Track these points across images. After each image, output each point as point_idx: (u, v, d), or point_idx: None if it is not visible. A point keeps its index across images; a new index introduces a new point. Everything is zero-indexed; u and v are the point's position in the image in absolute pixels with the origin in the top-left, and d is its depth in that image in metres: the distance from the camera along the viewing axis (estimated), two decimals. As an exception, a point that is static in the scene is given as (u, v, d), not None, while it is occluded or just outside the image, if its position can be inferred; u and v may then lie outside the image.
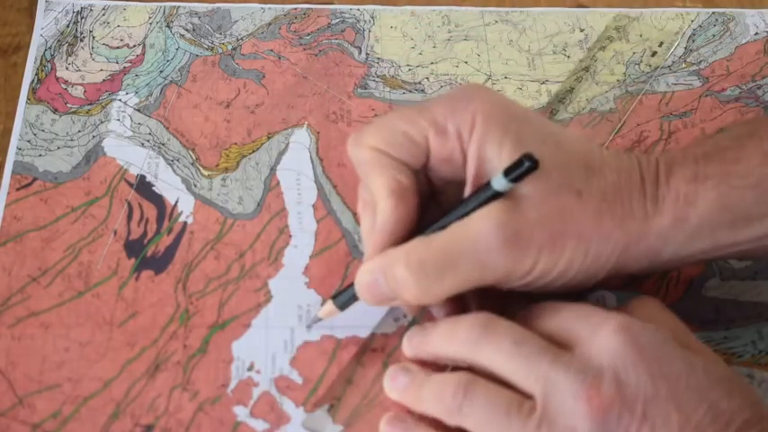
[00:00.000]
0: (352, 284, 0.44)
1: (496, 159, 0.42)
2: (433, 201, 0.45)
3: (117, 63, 0.58)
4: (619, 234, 0.42)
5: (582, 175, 0.42)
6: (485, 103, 0.42)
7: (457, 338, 0.41)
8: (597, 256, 0.42)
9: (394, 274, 0.42)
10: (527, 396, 0.39)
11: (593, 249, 0.41)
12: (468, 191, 0.43)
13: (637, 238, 0.42)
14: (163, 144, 0.54)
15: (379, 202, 0.43)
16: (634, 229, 0.42)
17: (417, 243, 0.42)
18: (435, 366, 0.43)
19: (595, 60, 0.59)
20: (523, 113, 0.43)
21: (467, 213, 0.41)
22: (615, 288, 0.50)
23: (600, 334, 0.38)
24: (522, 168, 0.40)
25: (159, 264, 0.50)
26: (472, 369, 0.41)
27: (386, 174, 0.43)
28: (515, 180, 0.40)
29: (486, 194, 0.41)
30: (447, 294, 0.42)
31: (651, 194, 0.42)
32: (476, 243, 0.41)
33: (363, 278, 0.43)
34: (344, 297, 0.46)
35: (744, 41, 0.61)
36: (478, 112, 0.42)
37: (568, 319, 0.40)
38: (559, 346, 0.39)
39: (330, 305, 0.46)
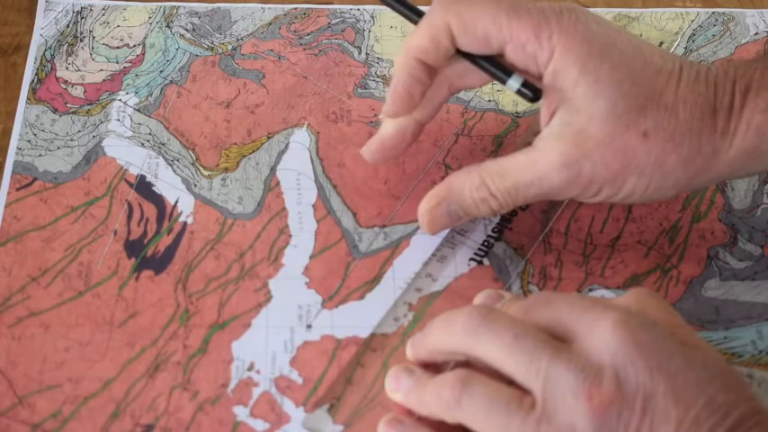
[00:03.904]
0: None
1: (570, 92, 0.45)
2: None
3: (117, 63, 0.58)
4: (682, 171, 0.45)
5: (653, 114, 0.44)
6: (567, 38, 0.44)
7: (455, 329, 0.41)
8: (658, 189, 0.45)
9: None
10: (525, 391, 0.39)
11: (654, 184, 0.45)
12: (543, 119, 0.47)
13: (702, 171, 0.45)
14: (163, 144, 0.54)
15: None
16: (699, 164, 0.45)
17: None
18: (436, 368, 0.43)
19: (595, 60, 0.59)
20: (604, 49, 0.45)
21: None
22: (615, 287, 0.50)
23: (598, 329, 0.38)
24: (525, 95, 0.47)
25: (159, 264, 0.50)
26: (470, 366, 0.41)
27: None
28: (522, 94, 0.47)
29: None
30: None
31: (722, 129, 0.44)
32: (541, 177, 0.45)
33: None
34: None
35: (744, 41, 0.61)
36: (558, 47, 0.45)
37: (563, 312, 0.40)
38: (556, 338, 0.39)
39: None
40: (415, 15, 0.49)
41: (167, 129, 0.55)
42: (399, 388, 0.43)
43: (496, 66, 0.47)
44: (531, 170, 0.46)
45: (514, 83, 0.47)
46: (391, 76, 0.48)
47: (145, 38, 0.60)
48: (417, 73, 0.47)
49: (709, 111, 0.44)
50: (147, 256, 0.50)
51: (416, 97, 0.48)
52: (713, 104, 0.44)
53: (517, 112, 0.57)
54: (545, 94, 0.46)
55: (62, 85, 0.57)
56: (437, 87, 0.49)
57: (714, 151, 0.44)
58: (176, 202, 0.52)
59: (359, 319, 0.48)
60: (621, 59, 0.45)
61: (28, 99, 0.56)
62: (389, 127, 0.51)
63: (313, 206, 0.52)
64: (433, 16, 0.47)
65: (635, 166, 0.44)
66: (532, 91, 0.46)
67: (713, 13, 0.63)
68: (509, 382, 0.39)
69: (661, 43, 0.61)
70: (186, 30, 0.60)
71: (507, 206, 0.47)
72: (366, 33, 0.61)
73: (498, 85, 0.58)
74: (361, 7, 0.62)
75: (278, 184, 0.53)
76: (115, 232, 0.51)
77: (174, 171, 0.53)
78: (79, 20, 0.60)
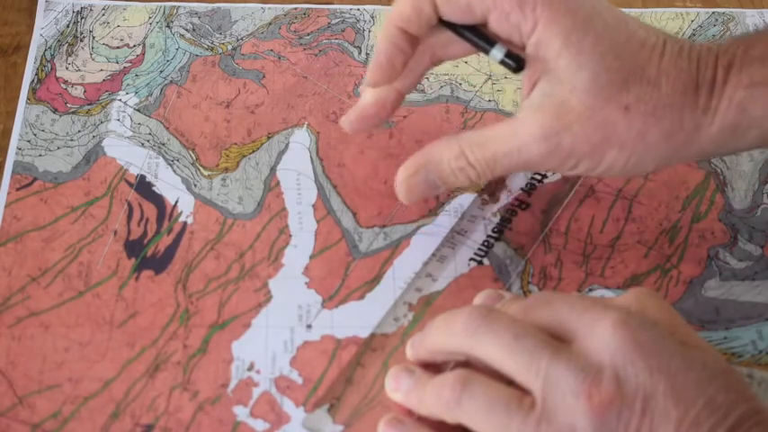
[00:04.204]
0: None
1: (552, 63, 0.44)
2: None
3: (117, 63, 0.58)
4: (664, 146, 0.44)
5: (635, 88, 0.44)
6: (551, 9, 0.44)
7: (455, 329, 0.41)
8: (638, 163, 0.45)
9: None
10: (525, 391, 0.39)
11: (635, 158, 0.45)
12: (524, 90, 0.47)
13: (684, 146, 0.45)
14: (163, 144, 0.54)
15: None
16: (681, 139, 0.44)
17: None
18: (436, 368, 0.43)
19: (595, 60, 0.59)
20: (588, 21, 0.44)
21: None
22: (615, 287, 0.50)
23: (598, 329, 0.38)
24: (509, 65, 0.46)
25: (159, 264, 0.50)
26: (470, 366, 0.41)
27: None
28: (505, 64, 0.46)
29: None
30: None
31: (704, 104, 0.44)
32: (520, 148, 0.45)
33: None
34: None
35: (744, 41, 0.61)
36: (541, 18, 0.44)
37: (563, 312, 0.40)
38: (555, 337, 0.39)
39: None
40: None
41: (167, 129, 0.55)
42: (399, 388, 0.43)
43: (479, 36, 0.47)
44: (510, 141, 0.45)
45: (498, 53, 0.46)
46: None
47: (145, 38, 0.60)
48: (399, 42, 0.47)
49: (691, 86, 0.44)
50: (147, 256, 0.50)
51: (398, 67, 0.48)
52: (696, 80, 0.44)
53: (517, 112, 0.57)
54: (528, 64, 0.46)
55: (62, 85, 0.57)
56: (419, 57, 0.49)
57: (696, 126, 0.44)
58: (176, 202, 0.52)
59: (359, 319, 0.48)
60: (605, 32, 0.44)
61: (28, 99, 0.56)
62: (369, 97, 0.50)
63: (313, 206, 0.52)
64: None
65: (615, 139, 0.44)
66: (515, 61, 0.46)
67: (713, 13, 0.63)
68: (509, 382, 0.39)
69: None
70: (186, 30, 0.60)
71: (485, 176, 0.47)
72: (366, 33, 0.61)
73: (498, 85, 0.58)
74: (361, 7, 0.62)
75: (278, 184, 0.53)
76: (115, 232, 0.51)
77: (174, 171, 0.53)
78: (79, 20, 0.60)
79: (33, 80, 0.57)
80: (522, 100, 0.47)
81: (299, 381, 0.46)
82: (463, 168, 0.47)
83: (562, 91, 0.44)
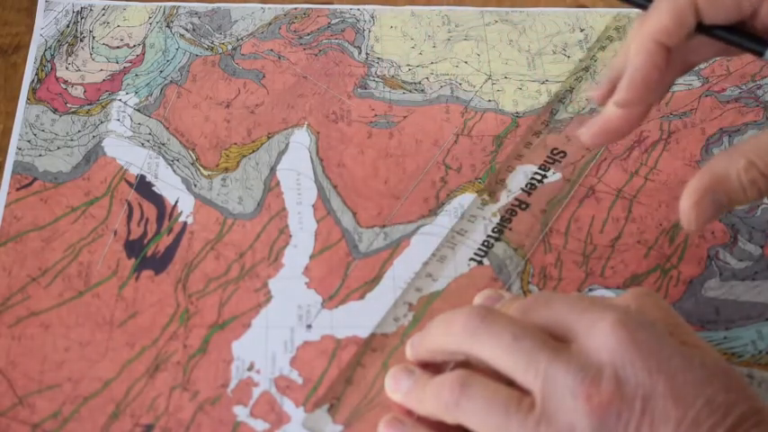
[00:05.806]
0: None
1: None
2: None
3: (117, 63, 0.58)
4: None
5: None
6: None
7: (454, 328, 0.41)
8: None
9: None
10: (524, 391, 0.39)
11: None
12: None
13: None
14: (163, 144, 0.54)
15: None
16: None
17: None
18: (436, 368, 0.43)
19: (595, 60, 0.59)
20: None
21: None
22: (615, 287, 0.50)
23: (597, 330, 0.38)
24: None
25: (159, 264, 0.50)
26: (470, 366, 0.41)
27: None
28: None
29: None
30: None
31: None
32: None
33: None
34: None
35: (744, 41, 0.61)
36: None
37: (563, 311, 0.40)
38: (555, 337, 0.39)
39: None
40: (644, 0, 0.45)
41: (167, 129, 0.55)
42: (399, 388, 0.43)
43: (747, 36, 0.42)
44: None
45: None
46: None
47: (145, 38, 0.60)
48: (657, 58, 0.43)
49: None
50: (147, 256, 0.50)
51: (654, 84, 0.44)
52: None
53: (517, 112, 0.57)
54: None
55: (62, 85, 0.57)
56: (672, 67, 0.46)
57: None
58: (176, 202, 0.52)
59: (359, 319, 0.48)
60: None
61: (28, 99, 0.56)
62: (615, 109, 0.46)
63: (313, 206, 0.52)
64: None
65: None
66: None
67: (713, 12, 0.63)
68: (509, 382, 0.39)
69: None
70: (186, 30, 0.60)
71: None
72: (366, 33, 0.61)
73: (498, 85, 0.58)
74: (361, 7, 0.62)
75: (278, 184, 0.53)
76: (115, 232, 0.51)
77: (174, 171, 0.53)
78: (79, 20, 0.60)
79: (33, 80, 0.57)
80: None
81: (299, 381, 0.46)
82: (754, 180, 0.42)
83: None
